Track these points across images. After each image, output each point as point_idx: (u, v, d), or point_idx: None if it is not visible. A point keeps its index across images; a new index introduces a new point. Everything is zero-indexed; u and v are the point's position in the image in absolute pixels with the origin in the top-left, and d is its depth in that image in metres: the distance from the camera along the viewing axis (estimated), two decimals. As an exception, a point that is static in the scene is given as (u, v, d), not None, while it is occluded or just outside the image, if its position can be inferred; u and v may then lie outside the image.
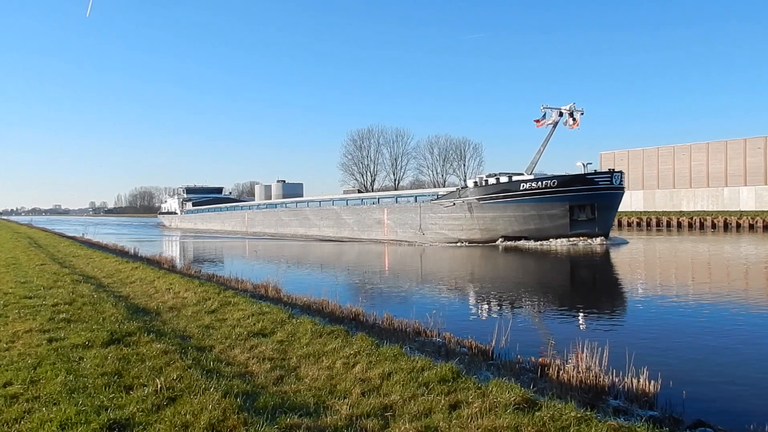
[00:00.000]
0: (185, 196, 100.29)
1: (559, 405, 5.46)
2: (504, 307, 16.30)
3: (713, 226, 59.58)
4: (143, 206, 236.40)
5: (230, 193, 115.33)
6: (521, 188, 39.61)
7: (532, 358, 8.77)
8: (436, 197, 46.04)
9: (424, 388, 6.10)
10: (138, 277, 16.12)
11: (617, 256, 32.24)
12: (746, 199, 66.92)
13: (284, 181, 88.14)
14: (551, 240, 38.31)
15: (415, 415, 5.45)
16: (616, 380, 7.69)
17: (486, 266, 29.54)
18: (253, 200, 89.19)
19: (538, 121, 41.63)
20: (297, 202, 67.24)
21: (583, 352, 8.16)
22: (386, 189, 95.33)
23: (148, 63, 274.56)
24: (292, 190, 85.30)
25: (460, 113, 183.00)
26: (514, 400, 5.57)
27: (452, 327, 11.15)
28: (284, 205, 68.42)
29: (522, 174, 41.62)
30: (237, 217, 78.35)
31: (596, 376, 7.60)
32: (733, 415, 7.17)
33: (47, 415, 5.44)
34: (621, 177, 40.18)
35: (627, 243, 40.31)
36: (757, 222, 56.25)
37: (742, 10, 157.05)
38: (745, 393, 8.38)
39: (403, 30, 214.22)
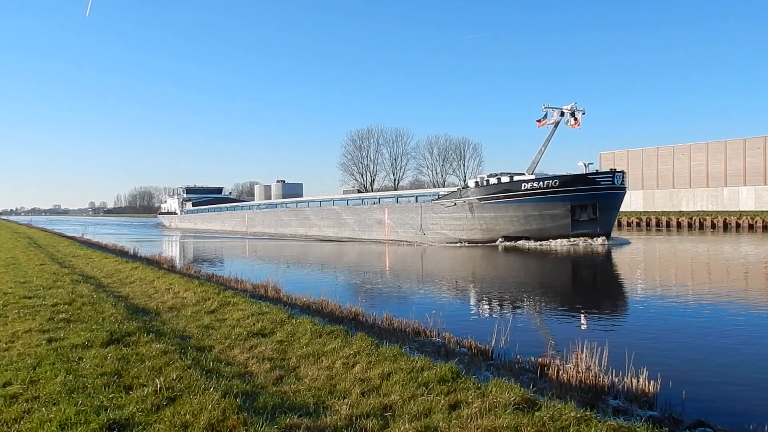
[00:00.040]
0: (185, 196, 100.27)
1: (559, 405, 5.46)
2: (504, 307, 16.30)
3: (713, 226, 59.61)
4: (143, 206, 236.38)
5: (230, 193, 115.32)
6: (523, 188, 39.52)
7: (532, 358, 8.77)
8: (437, 197, 46.00)
9: (424, 388, 6.10)
10: (137, 277, 16.12)
11: (619, 256, 32.21)
12: (746, 199, 66.94)
13: (284, 181, 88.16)
14: (551, 240, 38.29)
15: (415, 415, 5.45)
16: (616, 380, 7.69)
17: (487, 266, 29.53)
18: (253, 200, 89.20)
19: (540, 120, 41.62)
20: (297, 202, 67.18)
21: (582, 352, 8.16)
22: (386, 189, 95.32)
23: (147, 63, 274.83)
24: (292, 190, 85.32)
25: (459, 113, 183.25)
26: (514, 400, 5.57)
27: (452, 327, 11.14)
28: (284, 205, 68.38)
29: (523, 174, 41.54)
30: (237, 217, 78.33)
31: (596, 376, 7.60)
32: (733, 415, 7.16)
33: (47, 415, 5.44)
34: (623, 177, 40.09)
35: (629, 243, 40.27)
36: (756, 222, 56.27)
37: (741, 10, 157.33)
38: (745, 393, 8.38)
39: (403, 30, 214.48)
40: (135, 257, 26.07)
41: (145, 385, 6.27)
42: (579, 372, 7.70)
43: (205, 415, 5.30)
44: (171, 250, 44.31)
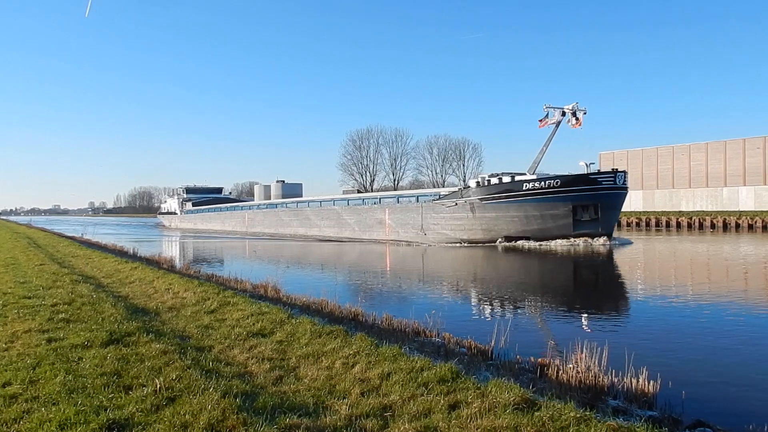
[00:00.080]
0: (185, 196, 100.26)
1: (559, 405, 5.46)
2: (503, 307, 16.31)
3: (712, 226, 59.62)
4: (142, 206, 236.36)
5: (230, 193, 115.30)
6: (524, 188, 39.43)
7: (532, 359, 8.77)
8: (437, 197, 45.95)
9: (424, 388, 6.10)
10: (137, 277, 16.12)
11: (621, 256, 32.17)
12: (745, 199, 66.96)
13: (283, 181, 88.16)
14: (550, 240, 38.25)
15: (415, 415, 5.44)
16: (616, 380, 7.69)
17: (488, 267, 29.53)
18: (253, 200, 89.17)
19: (541, 120, 41.58)
20: (297, 202, 67.13)
21: (582, 353, 8.16)
22: (385, 189, 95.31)
23: (147, 63, 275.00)
24: (292, 190, 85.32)
25: (459, 113, 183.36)
26: (514, 400, 5.57)
27: (451, 327, 11.14)
28: (285, 205, 68.35)
29: (524, 174, 41.46)
30: (237, 217, 78.31)
31: (595, 377, 7.60)
32: (732, 416, 7.17)
33: (46, 415, 5.44)
34: (624, 177, 39.96)
35: (631, 243, 40.22)
36: (756, 222, 56.28)
37: (741, 10, 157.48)
38: (745, 393, 8.38)
39: (403, 30, 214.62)
40: (134, 257, 26.06)
41: (144, 385, 6.27)
42: (579, 372, 7.70)
43: (205, 415, 5.30)
44: (171, 250, 44.30)
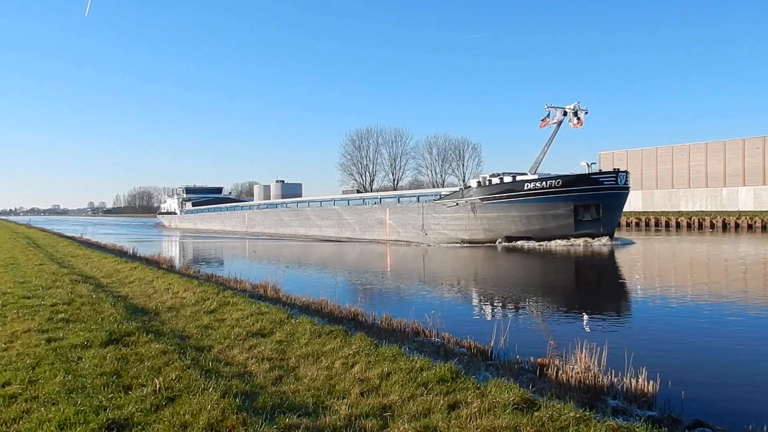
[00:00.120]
0: (185, 196, 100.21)
1: (558, 405, 5.46)
2: (503, 307, 16.31)
3: (712, 226, 59.63)
4: (142, 206, 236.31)
5: (230, 193, 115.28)
6: (525, 188, 39.35)
7: (531, 359, 8.76)
8: (438, 197, 45.89)
9: (423, 388, 6.10)
10: (137, 277, 16.11)
11: (623, 256, 32.13)
12: (745, 200, 66.99)
13: (283, 181, 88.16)
14: (550, 241, 38.21)
15: (414, 415, 5.44)
16: (615, 380, 7.69)
17: (489, 267, 29.53)
18: (252, 200, 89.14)
19: (543, 120, 41.54)
20: (298, 202, 67.07)
21: (582, 353, 8.15)
22: (385, 189, 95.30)
23: (147, 63, 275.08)
24: (291, 190, 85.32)
25: (459, 113, 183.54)
26: (513, 400, 5.57)
27: (451, 327, 11.14)
28: (285, 205, 68.31)
29: (526, 174, 41.40)
30: (237, 217, 78.28)
31: (595, 377, 7.60)
32: (732, 416, 7.17)
33: (46, 415, 5.44)
34: (626, 177, 39.85)
35: (633, 243, 40.17)
36: (755, 222, 56.29)
37: (741, 10, 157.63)
38: (744, 393, 8.39)
39: (403, 30, 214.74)
40: (134, 257, 26.06)
41: (144, 385, 6.27)
42: (578, 372, 7.70)
43: (205, 415, 5.29)
44: (170, 250, 44.30)
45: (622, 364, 8.07)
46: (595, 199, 38.30)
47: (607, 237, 38.21)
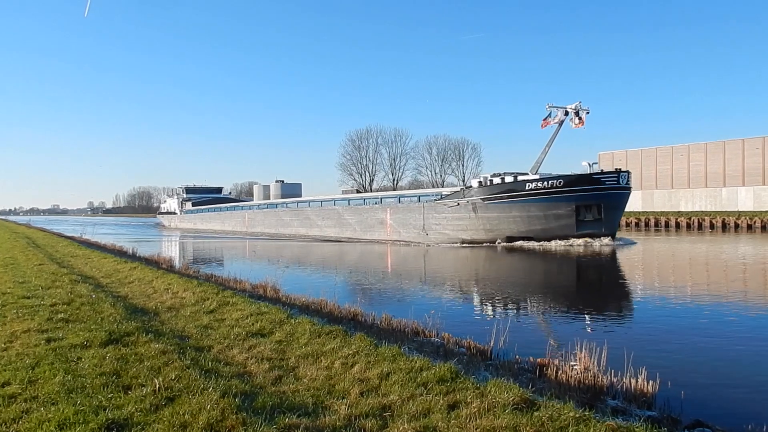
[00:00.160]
0: (185, 196, 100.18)
1: (558, 405, 5.46)
2: (503, 307, 16.31)
3: (711, 226, 59.64)
4: (142, 206, 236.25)
5: (230, 193, 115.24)
6: (527, 188, 39.25)
7: (531, 359, 8.76)
8: (439, 197, 45.81)
9: (423, 388, 6.10)
10: (136, 277, 16.11)
11: (624, 256, 32.08)
12: (744, 200, 67.01)
13: (283, 181, 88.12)
14: (551, 241, 38.16)
15: (414, 415, 5.44)
16: (615, 380, 7.69)
17: (489, 267, 29.52)
18: (252, 200, 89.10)
19: (545, 120, 41.49)
20: (298, 202, 66.98)
21: (581, 353, 8.16)
22: (385, 189, 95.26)
23: (147, 63, 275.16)
24: (291, 190, 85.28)
25: (459, 114, 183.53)
26: (513, 400, 5.57)
27: (451, 327, 11.14)
28: (285, 205, 68.23)
29: (527, 174, 41.31)
30: (237, 217, 78.24)
31: (595, 377, 7.60)
32: (731, 416, 7.17)
33: (45, 415, 5.44)
34: (628, 177, 39.70)
35: (635, 243, 40.11)
36: (755, 222, 56.31)
37: (741, 10, 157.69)
38: (744, 394, 8.39)
39: (403, 31, 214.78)
40: (134, 257, 26.05)
41: (143, 385, 6.26)
42: (578, 372, 7.70)
43: (204, 415, 5.29)
44: (170, 250, 44.29)
45: (621, 364, 8.07)
46: (597, 199, 38.20)
47: (609, 237, 38.12)
